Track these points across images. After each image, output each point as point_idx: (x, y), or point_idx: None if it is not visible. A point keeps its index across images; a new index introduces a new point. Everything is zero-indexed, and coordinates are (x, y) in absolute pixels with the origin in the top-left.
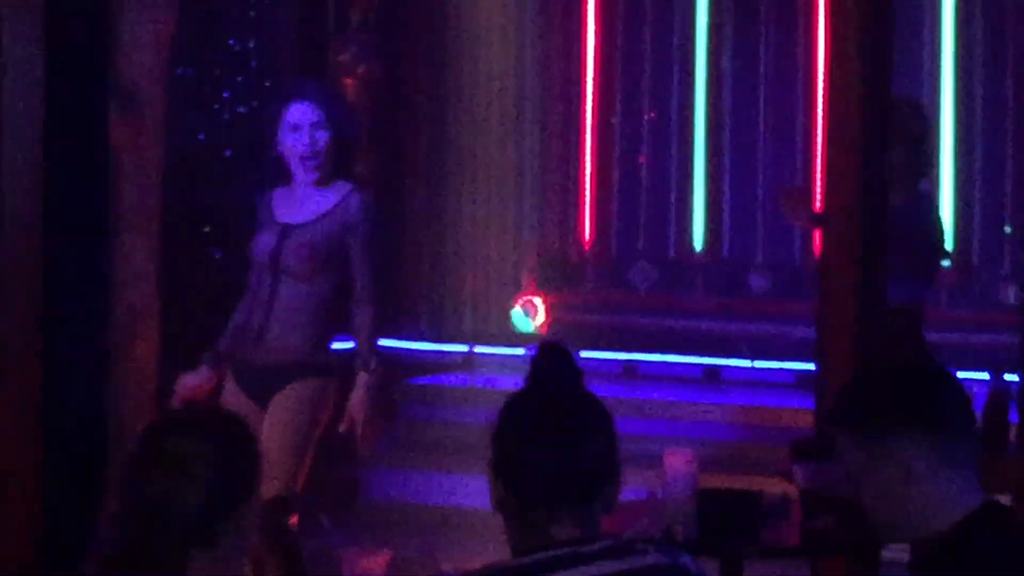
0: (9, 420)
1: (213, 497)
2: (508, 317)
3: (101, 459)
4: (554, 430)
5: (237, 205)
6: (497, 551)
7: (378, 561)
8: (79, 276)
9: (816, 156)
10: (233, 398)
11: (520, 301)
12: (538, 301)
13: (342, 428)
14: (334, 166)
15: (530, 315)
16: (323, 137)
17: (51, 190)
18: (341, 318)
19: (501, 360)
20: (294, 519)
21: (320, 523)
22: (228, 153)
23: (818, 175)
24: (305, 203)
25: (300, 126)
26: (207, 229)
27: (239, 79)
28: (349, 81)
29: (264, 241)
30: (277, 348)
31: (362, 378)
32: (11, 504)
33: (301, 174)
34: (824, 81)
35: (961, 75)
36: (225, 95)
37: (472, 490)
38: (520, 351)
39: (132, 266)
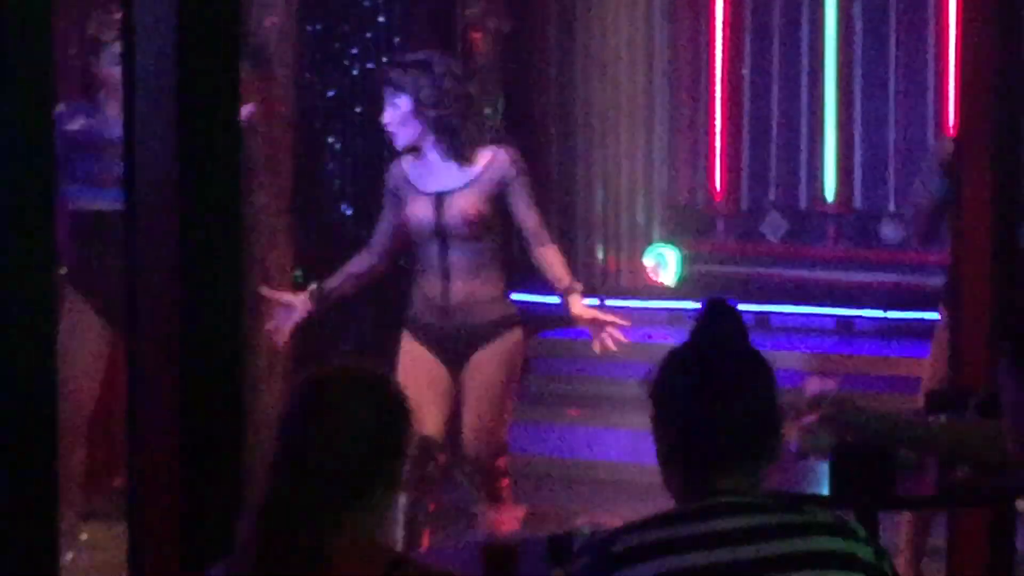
0: (152, 378)
1: (372, 452)
2: (638, 270)
3: (238, 416)
4: (724, 385)
5: (367, 162)
6: (629, 502)
7: (513, 516)
8: (216, 233)
9: (948, 101)
10: (424, 362)
11: (651, 253)
12: (669, 253)
13: (604, 336)
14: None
15: (661, 267)
16: (390, 113)
17: (186, 148)
18: (513, 269)
19: (632, 313)
20: (504, 462)
21: (456, 479)
22: (358, 109)
23: (950, 120)
24: (450, 170)
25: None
26: (337, 185)
27: (368, 35)
28: (478, 35)
29: (420, 212)
30: (464, 310)
31: (576, 298)
32: (157, 458)
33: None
34: (956, 26)
35: None
36: (354, 51)
37: (604, 443)
38: (651, 303)
39: (264, 223)
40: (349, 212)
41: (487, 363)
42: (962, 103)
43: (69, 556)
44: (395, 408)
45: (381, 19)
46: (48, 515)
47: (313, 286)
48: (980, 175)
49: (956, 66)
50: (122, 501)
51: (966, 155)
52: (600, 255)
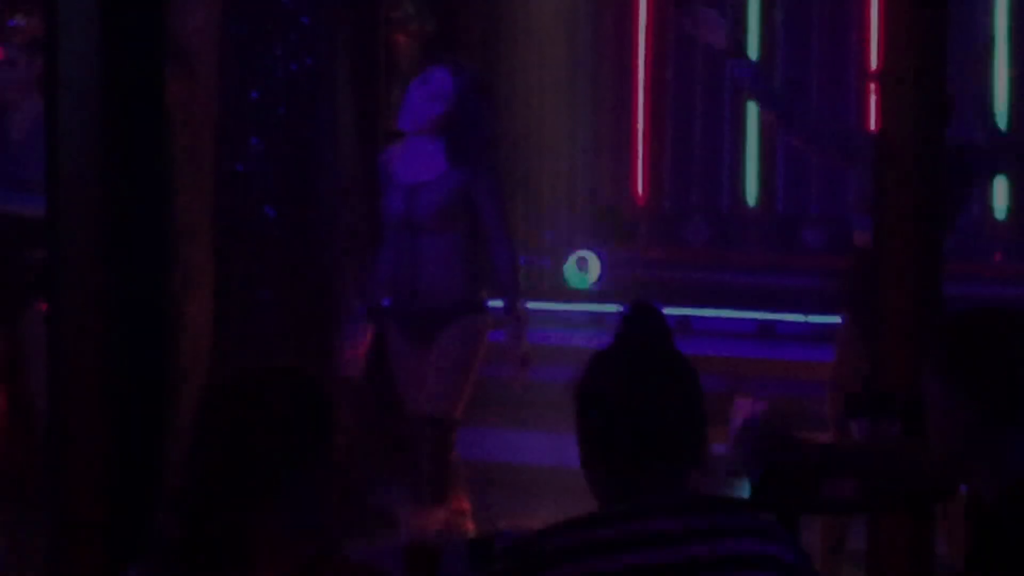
0: (73, 378)
1: (289, 444)
2: (561, 273)
3: (160, 415)
4: (649, 387)
5: (290, 164)
6: (553, 506)
7: (435, 518)
8: (138, 233)
9: (869, 107)
10: (396, 345)
11: (573, 256)
12: (591, 256)
13: (516, 372)
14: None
15: (583, 271)
16: (429, 109)
17: (108, 148)
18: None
19: (554, 316)
20: (453, 436)
21: (379, 480)
22: (281, 110)
23: (872, 119)
24: (425, 162)
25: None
26: (260, 187)
27: (291, 36)
28: (401, 38)
29: (393, 202)
30: (432, 296)
31: (514, 318)
32: (80, 458)
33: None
34: (879, 23)
35: None
36: (277, 52)
37: (527, 446)
38: (573, 307)
39: (186, 223)
40: (272, 214)
41: (447, 340)
42: (883, 101)
43: None
44: (314, 401)
45: (304, 20)
46: None
47: (369, 309)
48: (902, 172)
49: (878, 64)
50: (35, 509)
51: (887, 151)
52: (522, 258)
